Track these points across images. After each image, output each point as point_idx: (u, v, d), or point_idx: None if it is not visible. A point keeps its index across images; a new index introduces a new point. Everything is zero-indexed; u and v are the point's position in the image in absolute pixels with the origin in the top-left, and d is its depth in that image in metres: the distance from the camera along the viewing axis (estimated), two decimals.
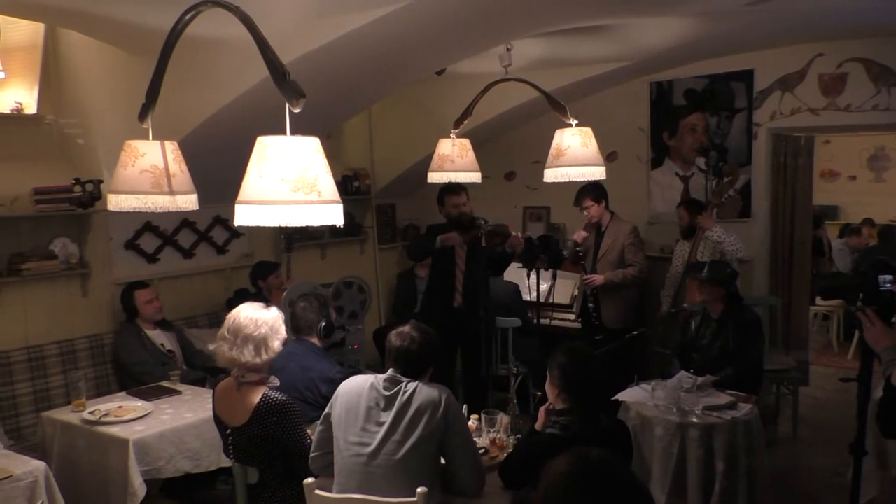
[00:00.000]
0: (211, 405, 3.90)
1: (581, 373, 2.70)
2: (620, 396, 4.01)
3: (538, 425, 2.80)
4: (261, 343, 2.89)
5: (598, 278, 5.31)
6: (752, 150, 6.02)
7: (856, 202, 10.17)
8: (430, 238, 5.03)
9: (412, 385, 2.64)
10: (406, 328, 2.75)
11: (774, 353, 5.64)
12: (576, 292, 5.47)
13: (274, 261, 5.89)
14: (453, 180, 4.58)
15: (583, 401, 2.69)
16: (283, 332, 2.99)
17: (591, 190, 5.27)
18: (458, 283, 5.00)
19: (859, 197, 10.18)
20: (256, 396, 2.85)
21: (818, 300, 7.86)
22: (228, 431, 2.94)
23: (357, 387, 2.70)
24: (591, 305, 5.40)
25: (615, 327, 5.29)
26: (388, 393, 2.64)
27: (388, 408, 2.61)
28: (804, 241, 6.23)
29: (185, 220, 5.55)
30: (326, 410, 2.73)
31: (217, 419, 3.02)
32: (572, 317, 5.84)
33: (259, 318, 2.93)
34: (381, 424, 2.59)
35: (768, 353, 5.16)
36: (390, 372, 2.70)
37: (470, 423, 3.34)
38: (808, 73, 5.76)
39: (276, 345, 2.95)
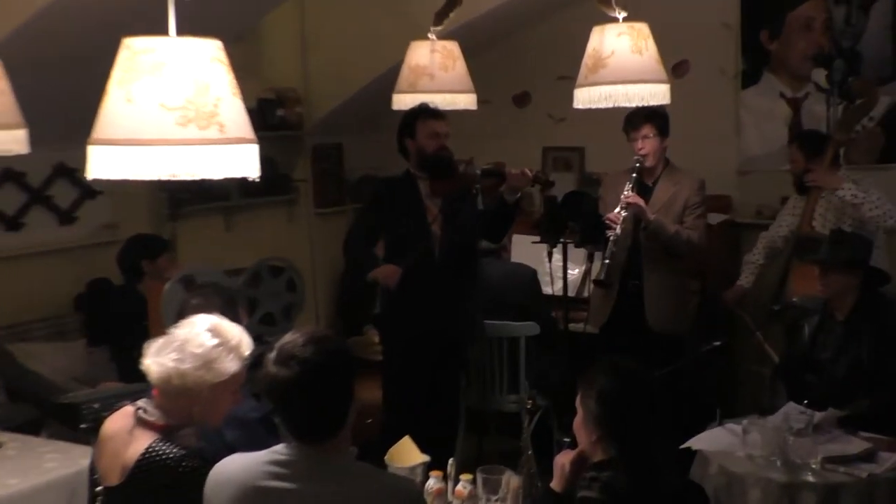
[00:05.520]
0: (52, 464, 3.90)
1: (632, 405, 2.72)
2: (695, 443, 4.03)
3: (555, 484, 2.82)
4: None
5: (641, 203, 5.17)
6: None
7: None
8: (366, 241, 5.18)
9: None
10: (291, 340, 2.62)
11: None
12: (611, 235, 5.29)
13: (158, 235, 5.86)
14: (433, 105, 4.56)
15: (635, 449, 2.70)
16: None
17: (656, 115, 5.23)
18: (433, 262, 5.04)
19: None
20: (143, 445, 2.88)
21: None
22: (98, 490, 2.99)
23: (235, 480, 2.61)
24: (635, 283, 5.32)
25: (665, 331, 5.28)
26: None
27: None
28: None
29: (7, 171, 5.51)
30: None
31: (92, 470, 3.07)
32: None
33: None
34: None
35: None
36: (283, 448, 2.60)
37: (431, 482, 3.36)
38: None
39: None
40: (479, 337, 5.02)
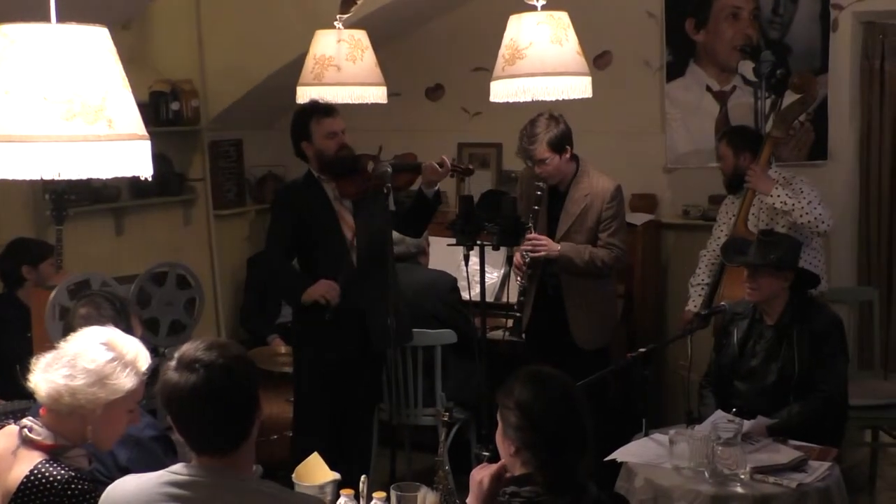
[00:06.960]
0: None
1: (552, 415, 2.72)
2: (620, 455, 4.07)
3: (472, 500, 2.81)
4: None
5: (548, 244, 5.18)
6: (828, 50, 6.10)
7: None
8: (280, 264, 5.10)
9: None
10: (191, 346, 2.61)
11: (868, 378, 5.79)
12: (518, 280, 5.29)
13: (40, 239, 5.77)
14: (340, 100, 4.54)
15: (557, 462, 2.70)
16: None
17: (548, 127, 5.12)
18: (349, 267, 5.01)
19: None
20: (27, 467, 2.84)
21: None
22: None
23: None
24: (554, 281, 5.29)
25: (591, 348, 5.29)
26: None
27: None
28: None
29: None
30: None
31: None
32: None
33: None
34: None
35: (857, 380, 5.31)
36: (181, 467, 2.60)
37: (342, 501, 3.33)
38: None
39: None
40: (394, 347, 4.98)
